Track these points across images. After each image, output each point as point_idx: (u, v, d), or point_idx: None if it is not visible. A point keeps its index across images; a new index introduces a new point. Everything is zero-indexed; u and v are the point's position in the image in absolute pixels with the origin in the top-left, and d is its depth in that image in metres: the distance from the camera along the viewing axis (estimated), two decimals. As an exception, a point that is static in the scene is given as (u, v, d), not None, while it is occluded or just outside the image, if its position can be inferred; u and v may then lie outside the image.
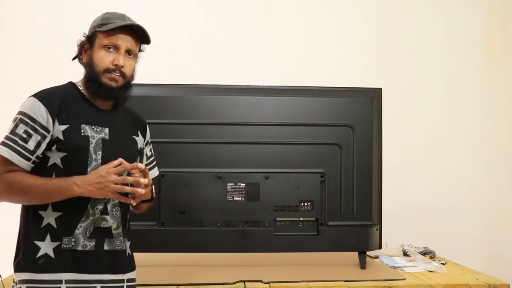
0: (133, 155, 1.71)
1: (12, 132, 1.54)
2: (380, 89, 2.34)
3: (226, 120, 2.24)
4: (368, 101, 2.30)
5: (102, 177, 1.49)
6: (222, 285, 2.06)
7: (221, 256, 2.36)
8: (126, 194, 1.57)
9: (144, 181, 1.52)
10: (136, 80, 1.69)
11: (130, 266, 1.70)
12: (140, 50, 1.69)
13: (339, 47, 3.15)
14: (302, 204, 2.26)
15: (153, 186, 1.72)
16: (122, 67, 1.60)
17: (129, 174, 1.56)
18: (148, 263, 2.31)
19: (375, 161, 2.30)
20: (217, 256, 2.36)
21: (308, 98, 2.28)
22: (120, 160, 1.52)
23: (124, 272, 1.65)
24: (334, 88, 2.37)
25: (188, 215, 2.21)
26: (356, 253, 2.33)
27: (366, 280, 2.13)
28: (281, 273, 2.19)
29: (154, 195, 1.75)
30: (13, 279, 1.60)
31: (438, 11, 3.21)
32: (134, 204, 1.62)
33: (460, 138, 3.20)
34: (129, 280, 1.67)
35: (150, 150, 1.87)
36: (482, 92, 3.23)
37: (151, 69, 2.95)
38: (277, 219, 2.25)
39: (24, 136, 1.52)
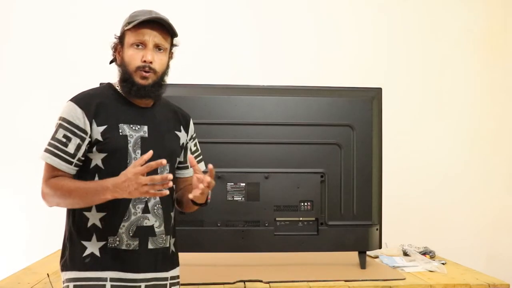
0: (175, 151, 1.71)
1: (53, 137, 1.56)
2: (380, 89, 2.34)
3: (226, 120, 2.24)
4: (368, 101, 2.30)
5: (129, 179, 1.43)
6: (222, 285, 2.05)
7: (221, 256, 2.36)
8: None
9: (170, 176, 1.44)
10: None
11: (173, 263, 1.70)
12: (173, 45, 1.67)
13: (339, 47, 3.15)
14: (302, 204, 2.26)
15: (210, 192, 1.64)
16: (151, 62, 1.58)
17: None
18: (148, 263, 2.31)
19: (375, 161, 2.30)
20: (217, 256, 2.36)
21: (308, 98, 2.28)
22: (144, 159, 1.44)
23: (167, 270, 1.66)
24: (334, 88, 2.37)
25: (188, 215, 2.20)
26: (356, 253, 2.33)
27: (366, 280, 2.12)
28: (281, 273, 2.19)
29: (209, 199, 1.68)
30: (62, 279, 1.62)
31: (438, 11, 3.22)
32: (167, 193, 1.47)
33: (460, 138, 3.20)
34: (172, 278, 1.68)
35: (195, 145, 1.84)
36: (482, 92, 3.23)
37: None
38: (277, 219, 2.25)
39: (64, 140, 1.54)
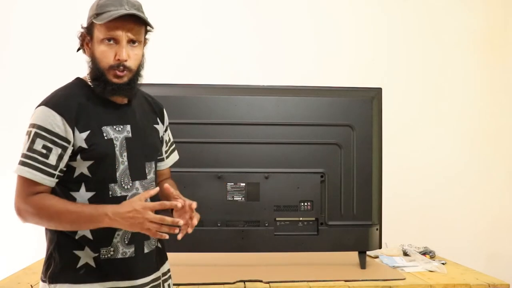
0: (157, 147, 1.64)
1: (30, 149, 1.41)
2: (380, 89, 2.34)
3: (226, 120, 2.24)
4: (368, 101, 2.30)
5: (137, 211, 1.33)
6: (222, 285, 2.06)
7: (221, 256, 2.36)
8: None
9: (181, 222, 1.35)
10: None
11: (162, 259, 1.65)
12: (147, 31, 1.51)
13: (339, 47, 3.15)
14: (302, 204, 2.26)
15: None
16: (126, 61, 1.44)
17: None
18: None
19: (375, 161, 2.30)
20: (217, 256, 2.36)
21: (308, 98, 2.28)
22: (150, 194, 1.38)
23: (158, 268, 1.61)
24: (334, 88, 2.37)
25: (188, 215, 2.21)
26: (356, 253, 2.33)
27: (366, 280, 2.13)
28: (281, 273, 2.19)
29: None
30: None
31: (438, 11, 3.22)
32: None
33: (460, 138, 3.20)
34: (164, 274, 1.64)
35: (169, 135, 1.75)
36: (482, 92, 3.23)
37: (150, 68, 2.95)
38: (277, 219, 2.25)
39: (44, 151, 1.40)
